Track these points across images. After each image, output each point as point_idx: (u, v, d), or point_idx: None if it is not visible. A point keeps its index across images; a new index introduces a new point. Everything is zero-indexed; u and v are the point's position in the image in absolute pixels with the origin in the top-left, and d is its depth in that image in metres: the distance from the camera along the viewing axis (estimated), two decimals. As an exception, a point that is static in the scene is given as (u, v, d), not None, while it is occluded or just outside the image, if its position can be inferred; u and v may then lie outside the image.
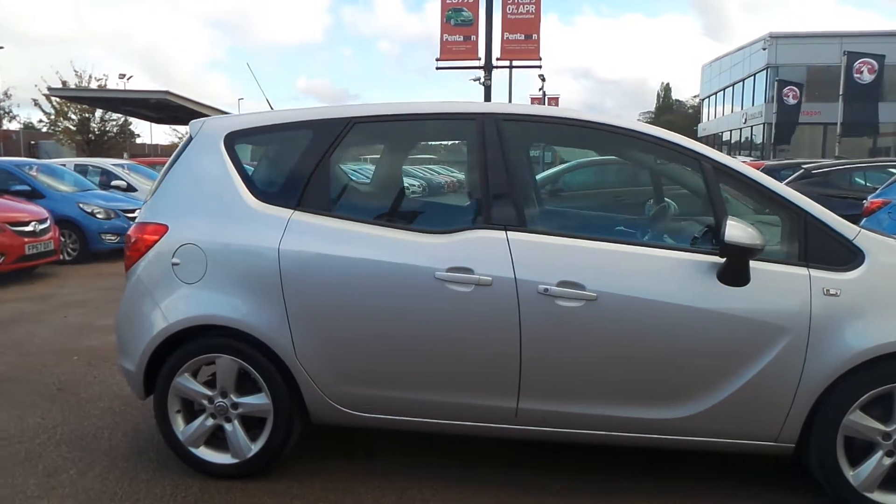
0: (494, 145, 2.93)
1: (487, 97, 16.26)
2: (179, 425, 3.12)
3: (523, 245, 2.82)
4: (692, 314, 2.73)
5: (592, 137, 3.14)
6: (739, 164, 2.88)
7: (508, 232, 2.85)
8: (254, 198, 3.06)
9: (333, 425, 3.10)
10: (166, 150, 43.71)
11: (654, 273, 2.78)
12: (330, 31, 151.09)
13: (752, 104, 36.73)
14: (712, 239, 2.87)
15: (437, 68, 16.80)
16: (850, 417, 2.70)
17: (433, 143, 3.80)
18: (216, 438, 3.13)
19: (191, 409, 3.15)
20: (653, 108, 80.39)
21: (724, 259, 2.69)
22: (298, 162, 3.10)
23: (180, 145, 3.35)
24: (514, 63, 15.63)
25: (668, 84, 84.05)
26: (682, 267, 2.77)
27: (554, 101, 42.16)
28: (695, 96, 65.43)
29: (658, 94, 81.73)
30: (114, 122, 40.95)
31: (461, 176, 3.48)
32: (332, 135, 3.07)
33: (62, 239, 9.44)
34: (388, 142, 3.42)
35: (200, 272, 3.02)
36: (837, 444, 2.72)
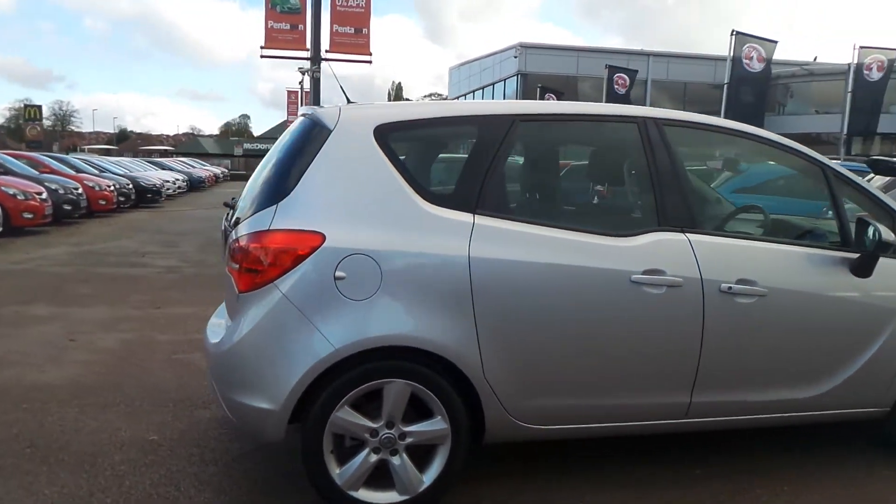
0: (661, 148, 2.98)
1: (316, 90, 15.57)
2: (335, 468, 2.66)
3: (704, 246, 2.92)
4: (837, 303, 3.09)
5: (736, 144, 3.33)
6: (852, 174, 3.30)
7: (686, 233, 2.93)
8: (425, 200, 2.71)
9: (507, 443, 2.90)
10: None
11: (806, 268, 3.07)
12: (24, 2, 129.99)
13: (503, 107, 39.99)
14: (826, 235, 3.27)
15: (262, 56, 15.59)
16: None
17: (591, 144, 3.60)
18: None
19: (341, 447, 2.70)
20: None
21: (861, 255, 3.08)
22: (470, 161, 2.81)
23: (299, 136, 2.83)
24: (344, 57, 15.15)
25: (399, 83, 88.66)
26: (823, 262, 3.10)
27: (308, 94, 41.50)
28: (425, 96, 70.37)
29: (389, 93, 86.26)
30: None
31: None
32: (499, 132, 2.83)
33: None
34: (552, 142, 3.24)
35: (373, 287, 2.59)
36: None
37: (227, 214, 3.46)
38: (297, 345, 2.56)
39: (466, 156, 2.83)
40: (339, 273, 2.56)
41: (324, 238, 2.58)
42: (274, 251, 2.59)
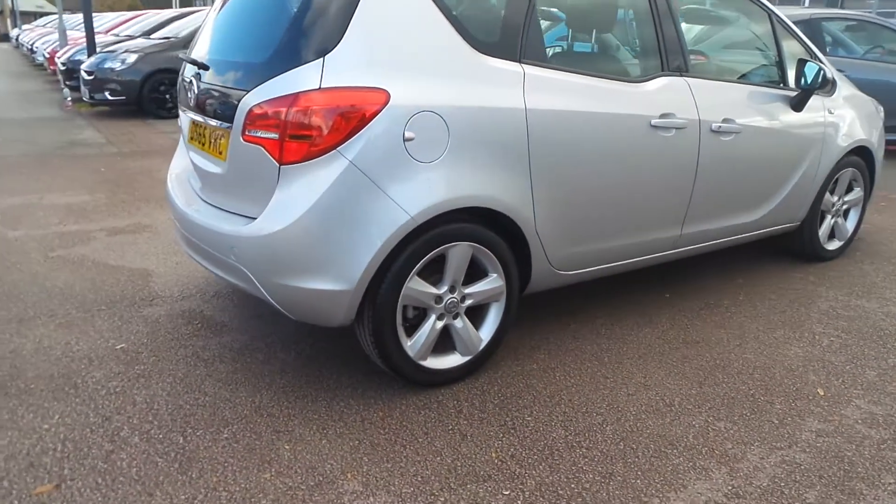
0: None
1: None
2: (406, 341, 2.54)
3: (698, 89, 3.10)
4: (781, 136, 3.52)
5: None
6: (790, 21, 3.65)
7: (685, 77, 3.08)
8: (475, 50, 2.49)
9: (541, 292, 2.97)
10: None
11: (762, 105, 3.42)
12: None
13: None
14: (762, 74, 3.64)
15: None
16: (827, 197, 3.97)
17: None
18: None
19: (405, 319, 2.58)
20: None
21: (800, 91, 3.50)
22: (508, 7, 2.59)
23: None
24: None
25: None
26: (773, 99, 3.48)
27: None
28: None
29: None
30: None
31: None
32: (531, -23, 2.65)
33: None
34: None
35: (442, 146, 2.38)
36: (816, 217, 3.99)
37: (184, 72, 2.88)
38: (368, 216, 2.31)
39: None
40: (408, 133, 2.32)
41: (388, 95, 2.29)
42: (333, 113, 2.24)
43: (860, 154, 4.06)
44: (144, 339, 3.02)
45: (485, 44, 2.54)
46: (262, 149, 2.34)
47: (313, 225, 2.30)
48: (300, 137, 2.26)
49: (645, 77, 2.98)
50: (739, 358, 2.95)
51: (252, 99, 2.36)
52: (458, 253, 2.54)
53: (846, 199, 4.16)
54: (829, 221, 4.10)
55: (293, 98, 2.25)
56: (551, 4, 2.87)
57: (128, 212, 4.98)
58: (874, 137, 4.13)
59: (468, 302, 2.65)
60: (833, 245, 4.17)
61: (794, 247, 4.10)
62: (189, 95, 2.79)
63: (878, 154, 4.21)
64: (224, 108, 2.54)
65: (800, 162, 3.67)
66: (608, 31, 3.19)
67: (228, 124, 2.50)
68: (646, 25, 3.04)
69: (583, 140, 2.74)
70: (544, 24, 2.86)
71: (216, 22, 2.92)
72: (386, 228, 2.32)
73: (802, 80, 3.47)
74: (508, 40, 2.59)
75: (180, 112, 3.10)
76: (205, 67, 2.72)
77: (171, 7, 35.45)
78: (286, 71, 2.31)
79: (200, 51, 2.87)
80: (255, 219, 2.42)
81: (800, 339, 3.13)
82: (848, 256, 4.24)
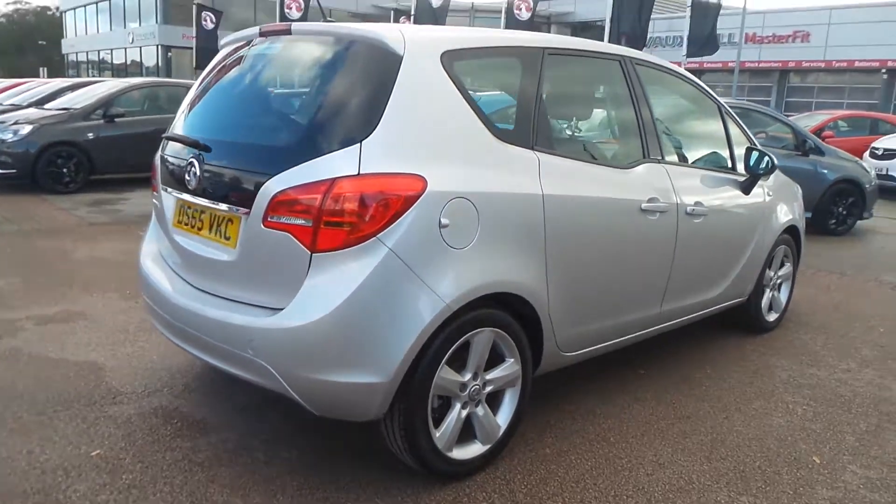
0: (637, 84, 3.25)
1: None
2: (434, 432, 2.45)
3: (675, 174, 3.32)
4: (736, 218, 3.83)
5: (675, 85, 3.69)
6: (732, 111, 4.01)
7: (662, 164, 3.28)
8: (494, 137, 2.54)
9: (542, 374, 2.96)
10: None
11: (721, 189, 3.71)
12: None
13: (140, 24, 35.47)
14: (710, 160, 3.96)
15: None
16: (766, 272, 4.31)
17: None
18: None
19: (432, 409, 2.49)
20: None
21: (749, 176, 3.83)
22: (520, 94, 2.69)
23: (350, 60, 2.38)
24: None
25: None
26: (727, 183, 3.78)
27: None
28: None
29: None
30: None
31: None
32: (536, 65, 2.77)
33: None
34: (572, 76, 3.11)
35: (472, 232, 2.38)
36: (759, 291, 4.30)
37: (166, 149, 2.74)
38: (406, 304, 2.25)
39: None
40: (443, 220, 2.31)
41: (426, 182, 2.28)
42: (373, 200, 2.19)
43: (790, 232, 4.46)
44: (122, 443, 2.72)
45: (503, 131, 2.61)
46: (290, 235, 2.24)
47: (351, 314, 2.20)
48: (337, 224, 2.19)
49: (631, 163, 3.16)
50: (732, 431, 3.06)
51: (277, 184, 2.27)
52: (483, 339, 2.51)
53: (779, 273, 4.53)
54: (767, 294, 4.43)
55: (330, 184, 2.19)
56: (553, 94, 2.99)
57: (52, 298, 4.53)
58: (798, 215, 4.56)
59: (488, 388, 2.61)
60: (772, 317, 4.49)
61: (742, 320, 4.37)
62: (188, 177, 2.62)
63: (802, 231, 4.64)
64: (237, 192, 2.43)
65: (749, 241, 3.98)
66: (599, 119, 3.38)
67: (242, 209, 2.38)
68: (628, 115, 3.25)
69: (588, 223, 2.84)
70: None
71: (211, 98, 2.82)
72: (424, 317, 2.27)
73: (752, 167, 3.81)
74: (522, 128, 2.67)
75: (161, 192, 2.91)
76: (206, 149, 2.59)
77: (39, 75, 33.63)
78: (318, 156, 2.25)
79: (193, 128, 2.76)
80: (278, 309, 2.29)
81: (776, 410, 3.31)
82: (784, 327, 4.57)
